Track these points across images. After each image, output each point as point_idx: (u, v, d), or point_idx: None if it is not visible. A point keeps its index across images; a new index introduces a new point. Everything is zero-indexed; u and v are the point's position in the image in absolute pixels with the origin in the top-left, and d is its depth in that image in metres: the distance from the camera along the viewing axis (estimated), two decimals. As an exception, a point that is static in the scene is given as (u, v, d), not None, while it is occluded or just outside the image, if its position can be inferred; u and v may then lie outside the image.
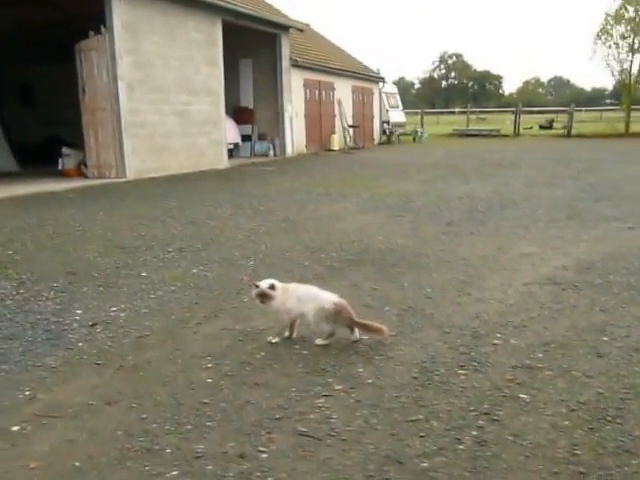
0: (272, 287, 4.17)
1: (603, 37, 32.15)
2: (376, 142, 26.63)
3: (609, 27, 32.15)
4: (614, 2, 32.47)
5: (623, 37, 31.76)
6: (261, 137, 19.18)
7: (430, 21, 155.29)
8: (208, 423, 3.15)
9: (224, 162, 16.23)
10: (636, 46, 31.26)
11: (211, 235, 7.86)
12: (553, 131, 34.23)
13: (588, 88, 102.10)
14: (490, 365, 3.81)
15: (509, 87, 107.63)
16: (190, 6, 14.89)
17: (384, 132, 27.08)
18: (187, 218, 9.06)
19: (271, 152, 18.85)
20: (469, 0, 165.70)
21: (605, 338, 4.22)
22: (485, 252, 6.77)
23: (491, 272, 5.98)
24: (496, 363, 3.84)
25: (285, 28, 18.63)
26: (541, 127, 38.70)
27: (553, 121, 39.53)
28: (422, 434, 2.98)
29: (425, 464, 2.72)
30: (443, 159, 19.05)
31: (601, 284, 5.48)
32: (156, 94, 14.37)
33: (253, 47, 18.81)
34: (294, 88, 19.31)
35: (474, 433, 2.98)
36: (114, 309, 5.07)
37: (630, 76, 31.59)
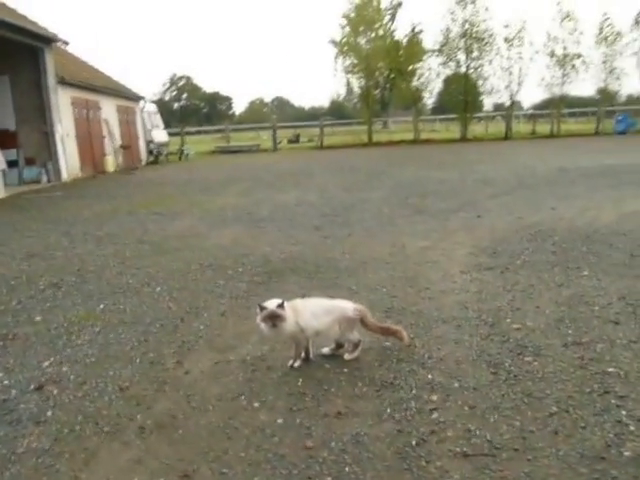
0: (281, 306, 3.60)
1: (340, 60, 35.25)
2: (144, 162, 25.33)
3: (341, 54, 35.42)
4: (342, 31, 35.67)
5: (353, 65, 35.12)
6: (29, 162, 16.91)
7: (158, 42, 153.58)
8: None
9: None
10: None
11: (74, 266, 6.65)
12: (308, 144, 36.12)
13: (307, 107, 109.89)
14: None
15: (239, 107, 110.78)
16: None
17: (150, 152, 25.90)
18: (21, 252, 7.55)
19: (44, 178, 16.71)
20: (193, 24, 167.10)
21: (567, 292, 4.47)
22: (388, 250, 6.77)
23: (420, 266, 5.99)
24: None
25: (48, 41, 16.69)
26: (289, 141, 40.54)
27: (299, 135, 41.83)
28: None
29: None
30: (232, 173, 18.82)
31: (527, 260, 5.83)
32: None
33: (9, 62, 16.54)
34: (62, 107, 17.42)
35: None
36: (46, 364, 3.97)
37: (368, 96, 34.93)
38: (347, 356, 3.80)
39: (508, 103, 33.27)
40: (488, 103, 37.48)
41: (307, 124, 45.71)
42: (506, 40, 32.00)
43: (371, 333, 3.89)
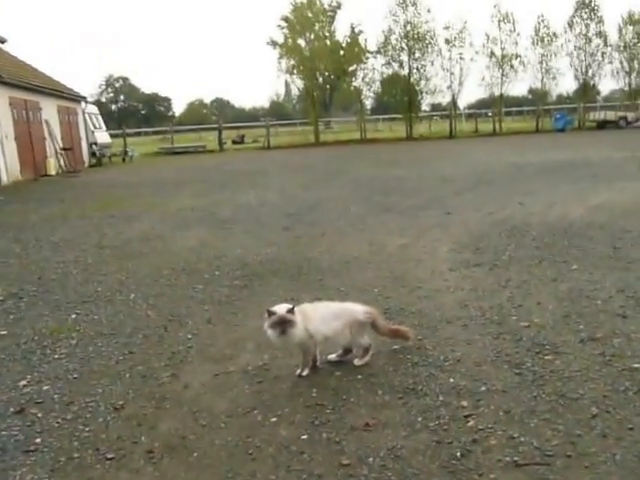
0: (291, 311, 3.34)
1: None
2: (86, 164, 24.38)
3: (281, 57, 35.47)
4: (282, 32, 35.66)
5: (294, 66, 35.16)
6: (-35, 165, 15.97)
7: (92, 42, 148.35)
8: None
9: None
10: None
11: (32, 274, 6.18)
12: (253, 144, 35.65)
13: (247, 107, 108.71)
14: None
15: (178, 108, 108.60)
16: None
17: (93, 154, 24.94)
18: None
19: (-18, 182, 15.82)
20: (127, 23, 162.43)
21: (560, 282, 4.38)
22: (367, 248, 6.60)
23: (404, 264, 5.82)
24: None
25: (-19, 37, 15.77)
26: (234, 142, 39.94)
27: (244, 136, 41.27)
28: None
29: None
30: (183, 174, 18.29)
31: (512, 256, 5.74)
32: None
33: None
34: (0, 108, 16.53)
35: None
36: (23, 383, 3.58)
37: (312, 97, 34.92)
38: (357, 362, 3.57)
39: (449, 103, 33.79)
40: (425, 104, 37.90)
41: (251, 125, 45.23)
42: (447, 41, 32.49)
43: (379, 336, 3.67)
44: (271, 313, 3.33)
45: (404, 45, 32.55)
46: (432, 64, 32.74)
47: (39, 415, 3.17)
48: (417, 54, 32.65)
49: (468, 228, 7.31)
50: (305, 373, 3.47)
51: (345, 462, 2.55)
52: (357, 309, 3.55)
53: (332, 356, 3.65)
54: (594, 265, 5.31)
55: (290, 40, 35.49)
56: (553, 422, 2.75)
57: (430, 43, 32.58)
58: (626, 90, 34.35)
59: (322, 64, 35.57)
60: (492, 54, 32.52)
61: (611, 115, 31.25)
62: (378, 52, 33.49)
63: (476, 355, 3.57)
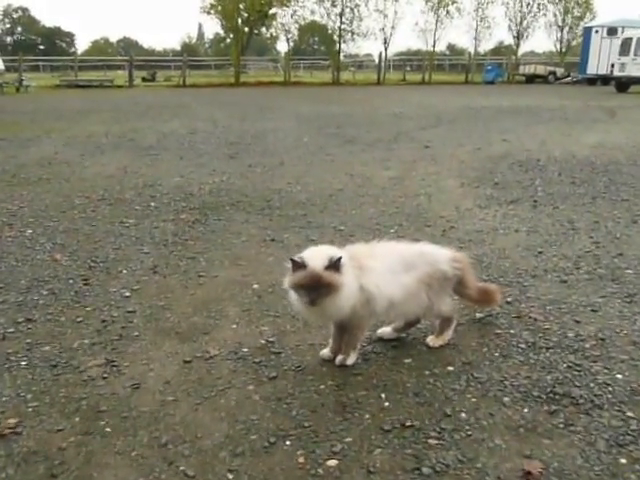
0: (336, 264, 1.81)
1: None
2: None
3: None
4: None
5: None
6: None
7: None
8: None
9: None
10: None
11: None
12: (166, 83, 32.78)
13: (159, 48, 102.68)
14: None
15: (81, 46, 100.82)
16: None
17: (-21, 81, 21.62)
18: None
19: None
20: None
21: None
22: (347, 180, 5.16)
23: (412, 199, 4.41)
24: None
25: None
26: (144, 79, 36.97)
27: (155, 73, 38.30)
28: None
29: None
30: (89, 105, 15.76)
31: (550, 192, 4.40)
32: None
33: None
34: None
35: None
36: None
37: (237, 32, 32.49)
38: (433, 341, 2.12)
39: (373, 54, 32.24)
40: (343, 54, 35.94)
41: (164, 63, 41.99)
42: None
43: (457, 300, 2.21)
44: (298, 265, 1.77)
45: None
46: (366, 4, 30.76)
47: None
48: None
49: (463, 162, 5.93)
50: (351, 361, 1.98)
51: None
52: (439, 254, 2.06)
53: (386, 330, 2.18)
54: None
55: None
56: None
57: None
58: (557, 44, 33.96)
59: (243, 3, 32.98)
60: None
61: (541, 69, 30.74)
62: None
63: (621, 328, 2.18)
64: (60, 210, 4.07)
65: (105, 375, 1.95)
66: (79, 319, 2.35)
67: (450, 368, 1.95)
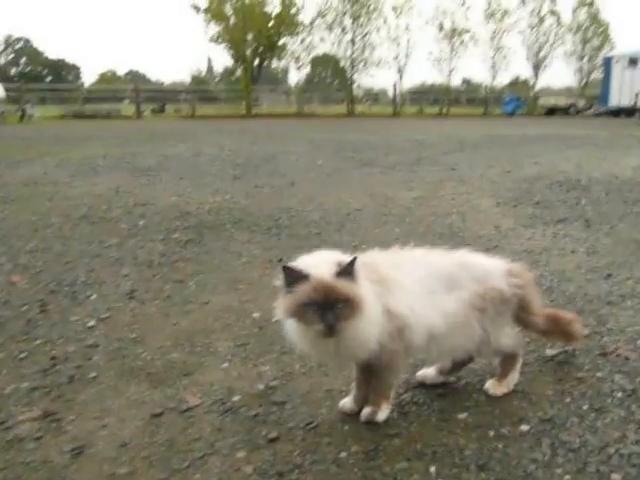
0: (349, 268, 1.26)
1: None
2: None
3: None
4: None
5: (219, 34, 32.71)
6: None
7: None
8: None
9: None
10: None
11: None
12: (175, 114, 32.71)
13: (166, 82, 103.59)
14: None
15: (87, 78, 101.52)
16: None
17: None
18: None
19: None
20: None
21: None
22: (367, 200, 4.61)
23: (442, 218, 3.84)
24: None
25: None
26: (153, 111, 37.23)
27: (164, 105, 38.54)
28: None
29: None
30: (93, 132, 15.38)
31: (603, 212, 3.81)
32: None
33: None
34: None
35: None
36: None
37: (245, 62, 32.46)
38: (494, 387, 1.54)
39: (385, 88, 32.02)
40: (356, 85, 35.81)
41: (174, 91, 42.09)
42: (394, 9, 30.52)
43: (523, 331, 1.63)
44: (296, 276, 1.25)
45: (348, 7, 30.09)
46: (378, 31, 30.49)
47: None
48: (362, 19, 30.25)
49: (495, 182, 5.39)
50: (383, 416, 1.40)
51: None
52: (491, 266, 1.49)
53: (429, 372, 1.59)
54: None
55: (214, 4, 32.43)
56: None
57: (376, 8, 30.28)
58: (576, 74, 33.41)
59: (252, 32, 32.91)
60: (441, 27, 30.63)
61: (561, 101, 30.19)
62: (320, 15, 30.76)
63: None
64: (32, 229, 3.56)
65: (39, 434, 1.39)
66: (22, 355, 1.80)
67: (524, 427, 1.37)
